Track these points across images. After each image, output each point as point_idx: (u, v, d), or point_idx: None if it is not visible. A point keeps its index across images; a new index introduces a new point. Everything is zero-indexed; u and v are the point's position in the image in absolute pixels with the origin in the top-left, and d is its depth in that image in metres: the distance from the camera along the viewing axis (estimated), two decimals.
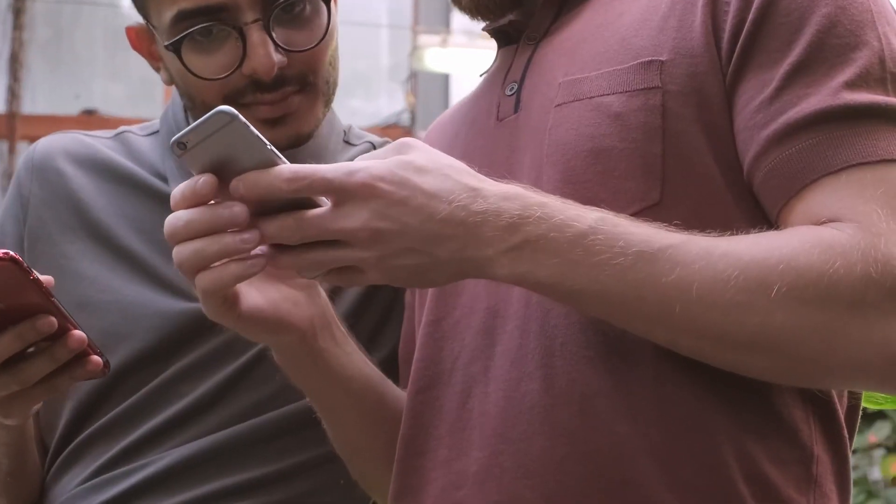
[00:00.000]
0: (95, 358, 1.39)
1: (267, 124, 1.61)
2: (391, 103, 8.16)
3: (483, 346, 1.33)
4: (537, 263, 1.18)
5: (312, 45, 1.58)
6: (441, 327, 1.39)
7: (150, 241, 1.66)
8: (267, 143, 1.16)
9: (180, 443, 1.59)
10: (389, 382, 1.49)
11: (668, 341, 1.21)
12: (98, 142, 1.76)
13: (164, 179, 1.70)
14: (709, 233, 1.19)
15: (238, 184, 1.16)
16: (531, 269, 1.18)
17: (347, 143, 1.78)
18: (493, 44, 1.52)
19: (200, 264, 1.20)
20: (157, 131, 1.78)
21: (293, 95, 1.60)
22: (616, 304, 1.19)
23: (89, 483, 1.60)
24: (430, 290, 1.42)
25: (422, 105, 7.37)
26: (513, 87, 1.42)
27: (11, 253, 1.28)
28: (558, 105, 1.34)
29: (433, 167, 1.19)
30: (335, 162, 1.65)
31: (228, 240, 1.18)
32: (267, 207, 1.18)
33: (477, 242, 1.18)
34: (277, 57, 1.56)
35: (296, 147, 1.63)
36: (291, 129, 1.62)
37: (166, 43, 1.59)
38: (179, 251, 1.20)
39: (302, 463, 1.61)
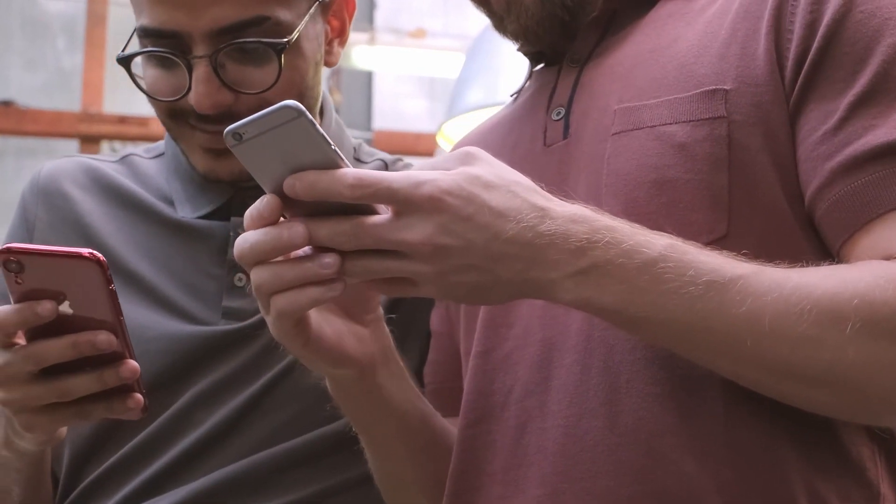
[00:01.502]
0: (138, 396, 1.32)
1: (210, 154, 1.57)
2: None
3: (538, 379, 1.30)
4: (603, 289, 1.14)
5: (262, 88, 1.52)
6: (492, 359, 1.35)
7: (158, 266, 1.61)
8: (331, 143, 1.10)
9: (199, 475, 1.54)
10: (439, 416, 1.44)
11: (733, 373, 1.18)
12: (104, 165, 1.71)
13: (171, 203, 1.66)
14: (778, 264, 1.17)
15: (294, 182, 1.11)
16: (596, 295, 1.15)
17: (358, 160, 1.74)
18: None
19: (278, 288, 1.14)
20: (163, 153, 1.73)
21: None
22: (682, 334, 1.16)
23: None
24: (479, 320, 1.38)
25: (345, 102, 7.31)
26: (560, 112, 1.38)
27: (99, 255, 1.22)
28: (616, 133, 1.30)
29: (501, 183, 1.14)
30: None
31: (307, 264, 1.13)
32: (317, 207, 1.13)
33: (542, 264, 1.14)
34: (223, 95, 1.51)
35: (241, 180, 1.58)
36: (235, 165, 1.54)
37: (118, 56, 1.56)
38: (258, 274, 1.15)
39: (320, 492, 1.56)
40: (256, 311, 1.57)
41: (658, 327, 1.16)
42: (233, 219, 1.61)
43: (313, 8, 1.56)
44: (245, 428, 1.56)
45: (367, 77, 7.41)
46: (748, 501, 1.20)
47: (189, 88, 1.51)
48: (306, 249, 1.14)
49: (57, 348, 1.27)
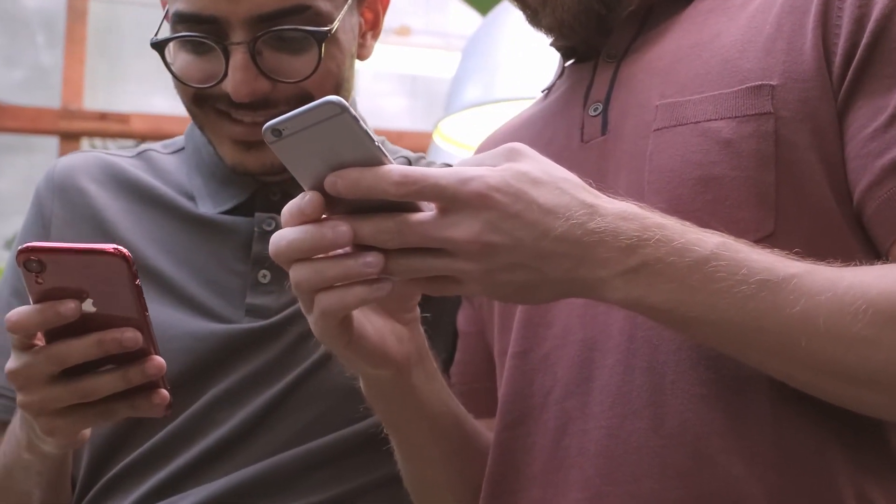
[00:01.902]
0: (163, 392, 1.28)
1: (239, 146, 1.55)
2: None
3: (579, 380, 1.27)
4: (653, 288, 1.12)
5: (301, 77, 1.50)
6: (530, 359, 1.33)
7: (179, 262, 1.58)
8: (375, 139, 1.08)
9: (220, 474, 1.51)
10: (471, 418, 1.41)
11: (784, 374, 1.16)
12: (121, 160, 1.68)
13: (192, 198, 1.63)
14: (830, 263, 1.15)
15: (336, 179, 1.08)
16: (646, 294, 1.12)
17: None
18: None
19: (320, 286, 1.11)
20: (182, 148, 1.70)
21: None
22: (733, 334, 1.13)
23: None
24: (516, 320, 1.35)
25: None
26: (597, 108, 1.36)
27: (124, 249, 1.18)
28: (658, 129, 1.28)
29: (548, 179, 1.12)
30: None
31: (350, 262, 1.10)
32: (357, 204, 1.10)
33: (591, 263, 1.11)
34: (260, 83, 1.49)
35: (270, 174, 1.56)
36: (266, 157, 1.54)
37: (152, 41, 1.52)
38: (298, 271, 1.11)
39: (344, 494, 1.53)
40: (281, 309, 1.54)
41: (709, 327, 1.13)
42: (257, 214, 1.58)
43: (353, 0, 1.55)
44: (268, 428, 1.53)
45: None
46: None
47: (224, 75, 1.49)
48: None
49: (81, 348, 1.23)
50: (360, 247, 1.10)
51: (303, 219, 1.10)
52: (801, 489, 1.18)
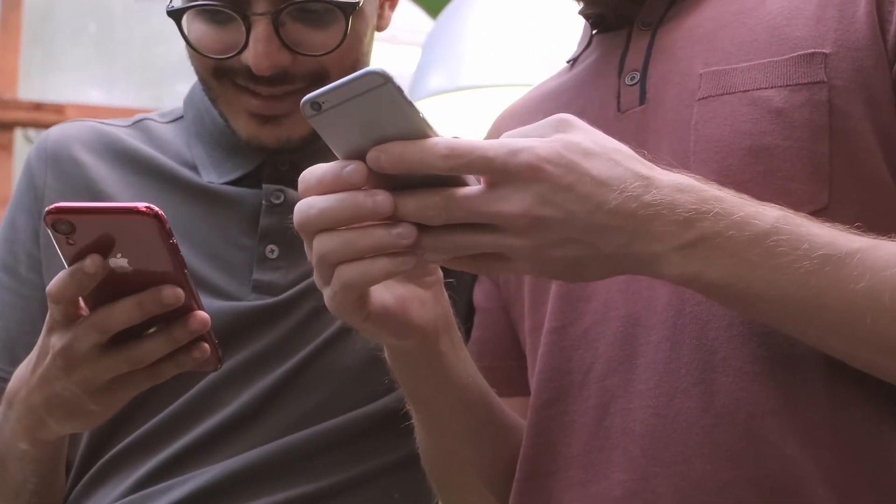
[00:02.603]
0: (205, 346, 1.23)
1: (256, 119, 1.49)
2: None
3: (621, 357, 1.22)
4: (711, 263, 1.07)
5: (324, 51, 1.44)
6: (568, 335, 1.27)
7: (181, 236, 1.48)
8: (420, 111, 1.02)
9: (225, 456, 1.44)
10: (494, 394, 1.35)
11: (845, 353, 1.11)
12: (116, 129, 1.60)
13: (194, 168, 1.55)
14: (892, 237, 1.10)
15: (379, 154, 1.02)
16: (703, 269, 1.07)
17: None
18: None
19: (348, 257, 1.06)
20: (181, 117, 1.63)
21: (294, 94, 1.46)
22: (794, 311, 1.08)
23: (126, 500, 1.44)
24: (552, 294, 1.29)
25: None
26: (634, 77, 1.31)
27: (156, 208, 1.13)
28: (703, 98, 1.23)
29: (600, 151, 1.07)
30: None
31: (382, 233, 1.04)
32: (400, 181, 1.04)
33: (647, 237, 1.06)
34: (282, 56, 1.43)
35: (286, 149, 1.51)
36: (282, 131, 1.49)
37: (170, 8, 1.46)
38: (324, 241, 1.05)
39: (355, 477, 1.47)
40: (289, 286, 1.48)
41: (768, 304, 1.09)
42: (265, 186, 1.51)
43: None
44: (275, 409, 1.46)
45: None
46: (854, 489, 1.13)
47: (244, 46, 1.42)
48: None
49: (122, 311, 1.17)
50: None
51: (341, 187, 1.05)
52: (860, 472, 1.13)
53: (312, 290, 1.47)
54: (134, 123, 1.62)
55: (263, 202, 1.50)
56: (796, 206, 1.13)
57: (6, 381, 1.45)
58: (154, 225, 1.13)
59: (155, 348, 1.21)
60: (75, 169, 1.55)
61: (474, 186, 1.05)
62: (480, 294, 1.47)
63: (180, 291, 1.17)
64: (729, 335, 1.17)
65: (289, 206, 1.49)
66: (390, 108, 1.01)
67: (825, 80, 1.19)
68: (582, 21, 1.44)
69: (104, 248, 1.14)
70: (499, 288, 1.44)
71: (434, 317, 1.21)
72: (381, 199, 1.04)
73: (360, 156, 1.04)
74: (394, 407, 1.42)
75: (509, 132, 1.09)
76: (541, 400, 1.28)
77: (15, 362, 1.48)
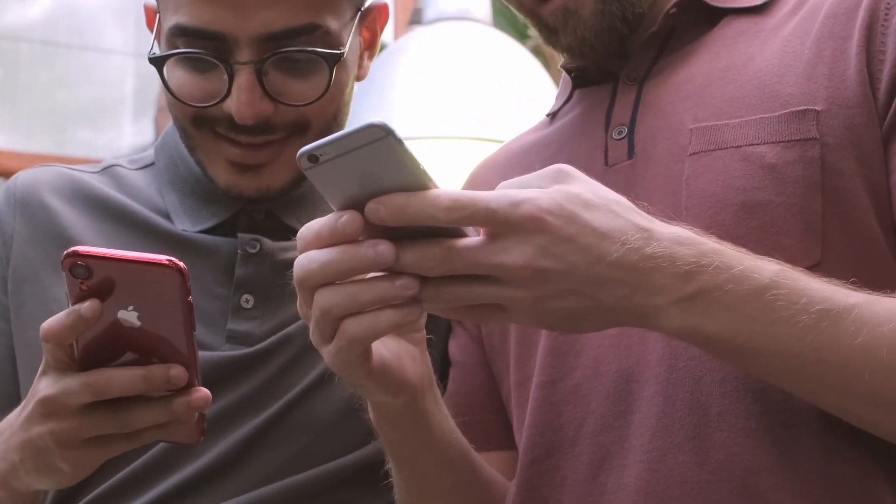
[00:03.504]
0: (196, 417, 1.20)
1: (235, 168, 1.47)
2: (136, 135, 7.84)
3: (615, 412, 1.22)
4: (710, 316, 1.07)
5: (308, 101, 1.43)
6: (558, 390, 1.27)
7: None
8: (420, 162, 1.02)
9: None
10: (474, 450, 1.34)
11: (840, 408, 1.12)
12: (85, 175, 1.57)
13: (167, 216, 1.53)
14: (888, 294, 1.11)
15: (378, 206, 1.02)
16: (702, 323, 1.07)
17: None
18: None
19: (351, 310, 1.05)
20: (151, 164, 1.60)
21: (275, 144, 1.45)
22: (791, 366, 1.09)
23: None
24: (541, 348, 1.29)
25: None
26: (622, 131, 1.32)
27: (180, 263, 1.11)
28: (695, 153, 1.24)
29: (600, 202, 1.07)
30: None
31: (385, 285, 1.04)
32: (394, 230, 1.04)
33: (647, 290, 1.06)
34: (265, 105, 1.41)
35: (265, 198, 1.49)
36: (262, 181, 1.47)
37: (151, 55, 1.44)
38: (327, 296, 1.05)
39: None
40: (265, 336, 1.46)
41: (766, 358, 1.09)
42: (240, 235, 1.49)
43: (357, 18, 1.47)
44: (250, 461, 1.44)
45: None
46: None
47: (227, 95, 1.40)
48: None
49: (123, 380, 1.15)
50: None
51: (338, 239, 1.04)
52: None
53: (288, 341, 1.46)
54: (103, 170, 1.59)
55: (239, 251, 1.48)
56: (790, 261, 1.13)
57: None
58: (177, 280, 1.11)
59: (148, 417, 1.18)
60: (45, 215, 1.52)
61: (474, 238, 1.04)
62: (456, 348, 1.46)
63: (185, 372, 1.15)
64: (723, 390, 1.17)
65: (264, 255, 1.48)
66: (391, 160, 1.01)
67: (817, 136, 1.20)
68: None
69: (116, 298, 1.12)
70: (475, 342, 1.44)
71: (423, 374, 1.21)
72: (382, 249, 1.03)
73: (356, 207, 1.03)
74: (371, 458, 1.41)
75: (506, 182, 1.09)
76: (531, 455, 1.28)
77: None
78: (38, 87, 6.63)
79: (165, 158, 1.57)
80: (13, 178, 1.56)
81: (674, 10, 1.33)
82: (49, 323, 1.14)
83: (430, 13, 3.16)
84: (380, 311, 1.05)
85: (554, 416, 1.27)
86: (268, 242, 1.48)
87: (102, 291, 1.12)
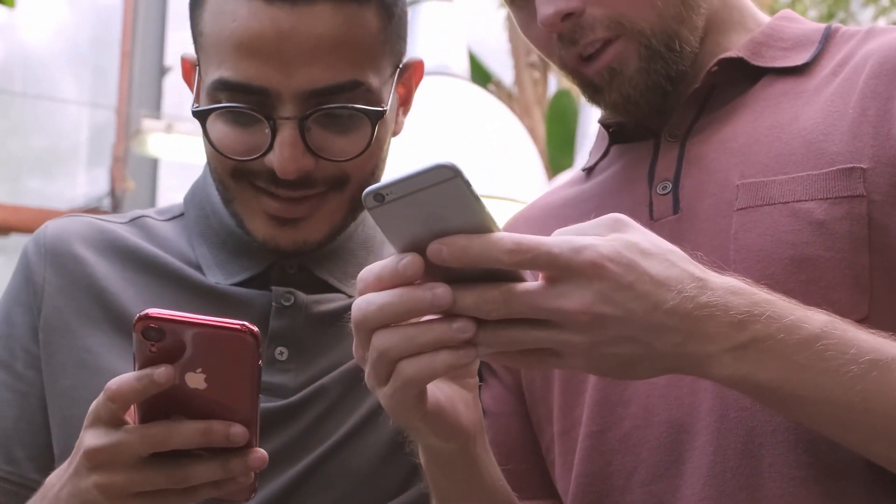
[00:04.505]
0: (252, 475, 1.20)
1: (273, 221, 1.47)
2: (89, 184, 7.82)
3: (667, 462, 1.24)
4: (761, 365, 1.10)
5: (349, 157, 1.44)
6: (607, 439, 1.29)
7: None
8: (485, 204, 1.03)
9: None
10: (516, 498, 1.35)
11: (885, 458, 1.14)
12: (115, 226, 1.57)
13: (198, 268, 1.53)
14: None
15: (441, 247, 1.03)
16: (753, 371, 1.10)
17: None
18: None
19: (408, 352, 1.06)
20: (180, 215, 1.60)
21: (314, 198, 1.46)
22: (840, 415, 1.11)
23: None
24: (588, 398, 1.30)
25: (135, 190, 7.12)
26: (666, 186, 1.34)
27: (254, 328, 1.11)
28: (742, 209, 1.27)
29: (657, 251, 1.09)
30: (384, 252, 1.53)
31: (443, 327, 1.06)
32: (451, 273, 1.05)
33: (701, 337, 1.09)
34: (307, 160, 1.42)
35: (301, 252, 1.49)
36: (299, 235, 1.47)
37: (195, 109, 1.45)
38: (384, 338, 1.06)
39: None
40: (299, 388, 1.47)
41: (814, 407, 1.11)
42: (274, 288, 1.49)
43: (395, 75, 1.49)
44: None
45: (153, 164, 7.23)
46: None
47: (269, 149, 1.41)
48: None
49: (184, 434, 1.16)
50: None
51: (398, 282, 1.05)
52: None
53: (323, 393, 1.46)
54: (131, 221, 1.59)
55: (273, 304, 1.48)
56: (838, 314, 1.16)
57: (4, 479, 1.41)
58: (250, 346, 1.11)
59: (205, 474, 1.18)
60: (76, 265, 1.52)
61: (532, 282, 1.06)
62: (490, 398, 1.47)
63: (246, 431, 1.15)
64: (775, 440, 1.20)
65: (298, 308, 1.49)
66: (457, 201, 1.02)
67: (864, 193, 1.23)
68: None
69: (187, 361, 1.12)
70: (510, 391, 1.45)
71: (476, 419, 1.22)
72: (440, 293, 1.04)
73: (418, 247, 1.04)
74: None
75: (562, 230, 1.11)
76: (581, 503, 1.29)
77: (11, 460, 1.44)
78: None
79: (196, 210, 1.58)
80: (42, 227, 1.56)
81: (715, 68, 1.36)
82: (118, 383, 1.15)
83: None
84: (436, 353, 1.06)
85: (604, 465, 1.28)
86: (301, 295, 1.49)
87: (173, 354, 1.12)
